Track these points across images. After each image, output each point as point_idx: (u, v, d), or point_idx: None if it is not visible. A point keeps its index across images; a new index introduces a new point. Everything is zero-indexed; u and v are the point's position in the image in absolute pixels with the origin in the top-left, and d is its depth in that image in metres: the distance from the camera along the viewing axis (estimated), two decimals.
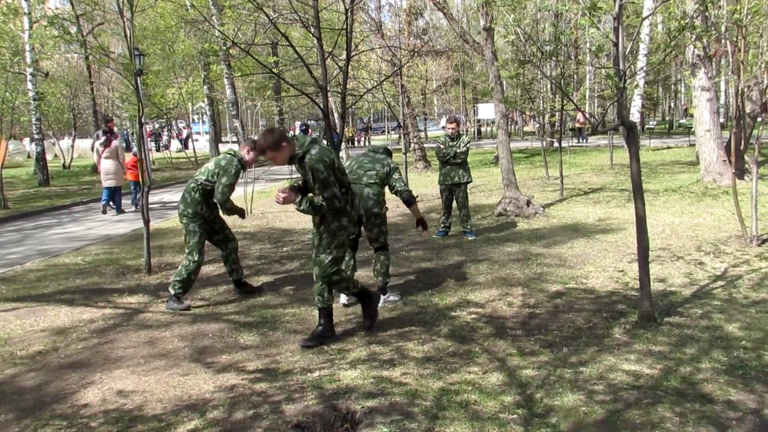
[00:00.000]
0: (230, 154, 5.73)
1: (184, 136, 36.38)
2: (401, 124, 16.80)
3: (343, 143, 16.94)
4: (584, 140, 28.96)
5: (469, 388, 3.62)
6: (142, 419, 3.44)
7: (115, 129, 12.81)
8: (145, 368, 4.20)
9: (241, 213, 5.95)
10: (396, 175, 5.54)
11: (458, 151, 8.22)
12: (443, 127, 9.29)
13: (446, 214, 8.47)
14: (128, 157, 12.66)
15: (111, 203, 12.41)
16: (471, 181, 8.45)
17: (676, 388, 3.53)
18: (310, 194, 4.44)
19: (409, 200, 5.51)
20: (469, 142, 8.55)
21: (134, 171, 12.39)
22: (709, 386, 3.53)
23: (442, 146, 8.39)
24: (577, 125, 29.88)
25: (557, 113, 18.81)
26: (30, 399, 3.80)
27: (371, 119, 49.19)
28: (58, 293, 6.30)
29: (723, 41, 10.44)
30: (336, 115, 19.40)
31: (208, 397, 3.68)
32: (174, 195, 15.74)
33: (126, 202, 13.07)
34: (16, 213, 12.72)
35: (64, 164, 24.77)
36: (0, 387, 4.01)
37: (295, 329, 4.88)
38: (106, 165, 12.12)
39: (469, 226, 8.40)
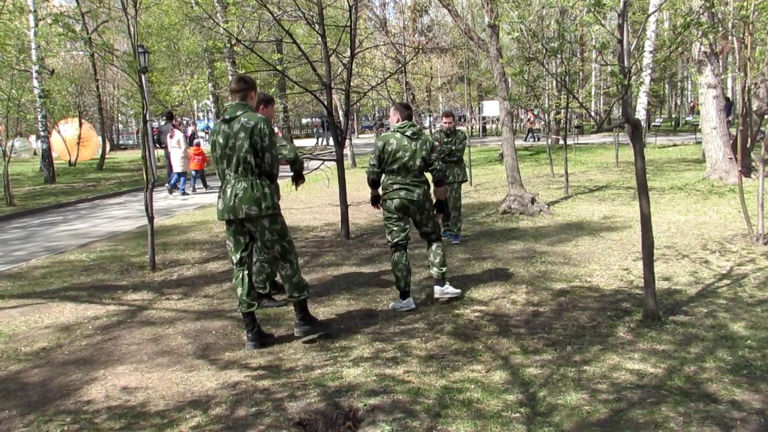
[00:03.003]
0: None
1: (189, 133, 36.42)
2: None
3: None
4: (536, 140, 29.51)
5: (472, 387, 3.61)
6: (146, 415, 3.44)
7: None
8: (148, 365, 4.21)
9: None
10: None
11: (453, 148, 7.79)
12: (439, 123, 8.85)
13: None
14: (191, 149, 15.05)
15: (176, 185, 14.85)
16: (466, 180, 8.06)
17: (681, 387, 3.51)
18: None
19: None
20: (465, 138, 8.06)
21: (195, 160, 14.90)
22: (714, 386, 3.52)
23: (436, 143, 8.08)
24: (528, 125, 30.35)
25: (562, 110, 18.74)
26: (34, 395, 3.82)
27: (383, 115, 49.11)
28: (62, 290, 6.32)
29: (729, 38, 10.37)
30: (340, 113, 19.37)
31: (211, 393, 3.69)
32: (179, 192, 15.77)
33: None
34: (22, 210, 12.77)
35: (69, 161, 24.86)
36: (4, 383, 4.03)
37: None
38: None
39: (456, 230, 7.83)
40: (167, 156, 15.33)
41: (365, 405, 3.42)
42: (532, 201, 9.63)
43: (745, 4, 6.63)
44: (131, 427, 3.33)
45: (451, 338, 4.45)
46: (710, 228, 7.87)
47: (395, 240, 5.20)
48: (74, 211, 12.94)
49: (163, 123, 16.03)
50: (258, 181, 4.27)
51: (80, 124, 24.33)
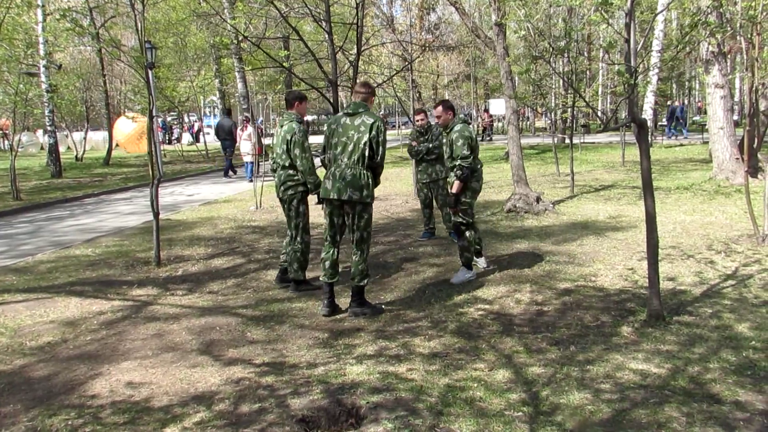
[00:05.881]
0: (287, 121, 5.68)
1: (196, 129, 36.56)
2: (411, 119, 16.83)
3: None
4: (490, 140, 29.39)
5: (475, 385, 3.61)
6: (150, 411, 3.46)
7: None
8: (153, 360, 4.23)
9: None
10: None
11: (431, 145, 7.55)
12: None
13: (428, 214, 7.91)
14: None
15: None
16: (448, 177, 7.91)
17: (684, 387, 3.51)
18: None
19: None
20: (440, 134, 7.41)
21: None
22: (718, 386, 3.51)
23: (414, 143, 7.77)
24: (482, 124, 30.16)
25: (569, 109, 18.68)
26: (39, 389, 3.84)
27: (389, 113, 48.98)
28: (68, 285, 6.35)
29: (737, 38, 10.31)
30: None
31: (214, 390, 3.70)
32: (185, 188, 15.83)
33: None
34: (29, 204, 12.83)
35: (76, 156, 24.95)
36: (9, 377, 4.06)
37: (303, 324, 4.89)
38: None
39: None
40: (224, 148, 17.69)
41: (368, 402, 3.42)
42: (538, 200, 9.61)
43: (753, 4, 6.60)
44: (135, 422, 3.35)
45: (454, 337, 4.45)
46: (716, 228, 7.84)
47: (472, 219, 5.98)
48: (80, 206, 12.99)
49: (221, 118, 18.97)
50: (365, 171, 4.86)
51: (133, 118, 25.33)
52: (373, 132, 4.83)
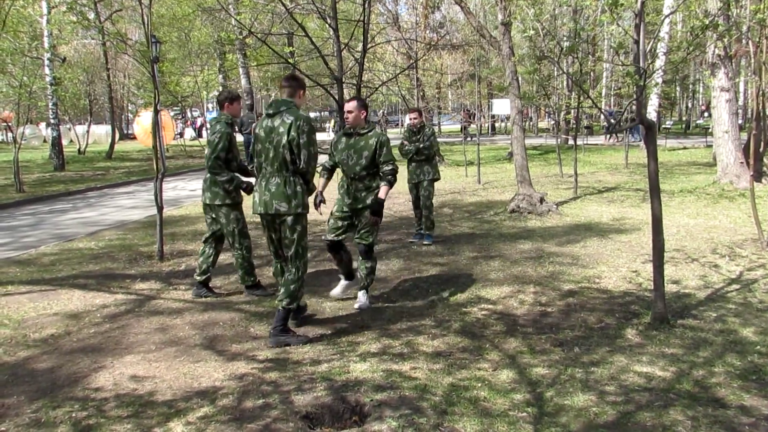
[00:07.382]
0: (216, 122, 5.32)
1: (198, 124, 36.60)
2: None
3: None
4: (470, 140, 28.48)
5: (479, 385, 3.60)
6: (153, 404, 3.46)
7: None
8: (156, 354, 4.22)
9: (248, 190, 5.31)
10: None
11: (420, 146, 7.54)
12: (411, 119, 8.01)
13: (419, 215, 7.84)
14: None
15: None
16: (438, 179, 7.79)
17: (689, 391, 3.50)
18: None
19: None
20: (432, 135, 7.70)
21: None
22: (723, 390, 3.50)
23: (405, 142, 7.75)
24: (463, 124, 29.67)
25: (573, 110, 18.64)
26: (42, 381, 3.84)
27: (386, 112, 48.93)
28: (71, 277, 6.35)
29: (744, 41, 10.28)
30: None
31: (218, 385, 3.70)
32: (187, 183, 15.82)
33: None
34: (32, 197, 12.84)
35: (79, 149, 24.98)
36: (13, 369, 4.05)
37: (306, 320, 4.88)
38: None
39: (427, 231, 7.64)
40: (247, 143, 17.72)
41: (372, 400, 3.42)
42: (541, 201, 9.59)
43: (761, 7, 6.58)
44: (139, 415, 3.34)
45: (458, 336, 4.44)
46: (720, 232, 7.83)
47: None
48: (83, 199, 12.99)
49: (246, 113, 19.33)
50: (292, 178, 4.30)
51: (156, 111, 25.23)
52: (293, 133, 4.20)
